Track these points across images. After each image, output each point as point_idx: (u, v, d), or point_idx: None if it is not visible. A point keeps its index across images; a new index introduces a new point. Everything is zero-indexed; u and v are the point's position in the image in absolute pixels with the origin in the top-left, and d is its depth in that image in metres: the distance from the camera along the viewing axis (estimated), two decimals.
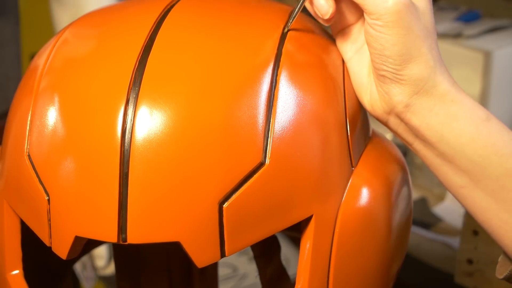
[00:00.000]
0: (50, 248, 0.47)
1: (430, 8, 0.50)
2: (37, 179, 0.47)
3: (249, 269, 1.07)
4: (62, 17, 1.08)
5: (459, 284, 0.87)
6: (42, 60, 0.51)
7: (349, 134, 0.50)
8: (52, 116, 0.47)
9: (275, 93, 0.46)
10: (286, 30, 0.50)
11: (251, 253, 0.69)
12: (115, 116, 0.44)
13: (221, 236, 0.44)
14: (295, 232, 0.51)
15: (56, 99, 0.47)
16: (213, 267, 0.79)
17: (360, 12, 0.51)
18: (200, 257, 0.44)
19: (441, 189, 1.11)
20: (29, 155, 0.48)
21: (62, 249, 0.46)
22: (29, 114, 0.49)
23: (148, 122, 0.44)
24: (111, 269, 1.14)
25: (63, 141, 0.46)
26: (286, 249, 0.86)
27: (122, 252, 0.73)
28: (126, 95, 0.45)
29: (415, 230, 1.01)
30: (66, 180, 0.45)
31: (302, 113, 0.47)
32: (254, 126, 0.45)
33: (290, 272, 0.69)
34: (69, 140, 0.46)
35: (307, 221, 0.47)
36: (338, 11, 0.52)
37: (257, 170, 0.45)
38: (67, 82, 0.48)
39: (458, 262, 0.86)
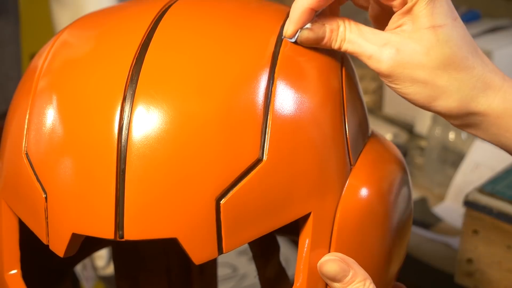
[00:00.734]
0: (48, 247, 0.47)
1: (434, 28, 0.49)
2: (35, 177, 0.47)
3: (249, 269, 1.07)
4: (62, 17, 1.09)
5: (459, 284, 0.87)
6: (40, 61, 0.52)
7: (347, 132, 0.50)
8: (49, 114, 0.47)
9: (272, 90, 0.46)
10: (283, 37, 0.49)
11: (250, 253, 0.69)
12: (112, 113, 0.44)
13: (218, 232, 0.44)
14: (294, 236, 0.51)
15: (54, 97, 0.48)
16: (212, 267, 0.79)
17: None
18: (197, 254, 0.44)
19: (441, 189, 1.11)
20: (26, 154, 0.48)
21: (59, 247, 0.46)
22: (27, 113, 0.49)
23: (145, 118, 0.44)
24: (111, 269, 1.14)
25: (60, 139, 0.46)
26: (285, 249, 0.86)
27: (121, 251, 0.73)
28: (123, 92, 0.45)
29: (415, 230, 1.01)
30: (63, 178, 0.45)
31: (300, 109, 0.47)
32: (251, 122, 0.45)
33: (289, 272, 0.69)
34: (66, 138, 0.46)
35: (305, 218, 0.47)
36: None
37: (254, 166, 0.45)
38: (65, 81, 0.48)
39: (458, 262, 0.86)
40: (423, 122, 1.21)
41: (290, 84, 0.47)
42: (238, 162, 0.44)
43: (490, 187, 0.85)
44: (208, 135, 0.44)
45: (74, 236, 0.45)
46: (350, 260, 0.48)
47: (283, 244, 0.74)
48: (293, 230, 0.50)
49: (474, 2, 1.31)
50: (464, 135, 1.12)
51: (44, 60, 0.51)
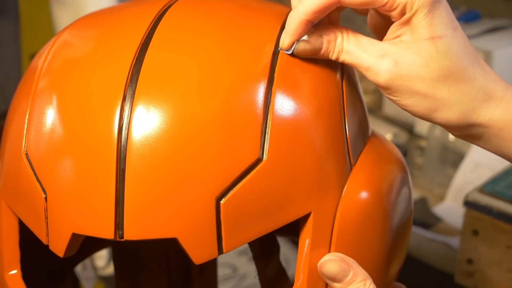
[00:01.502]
0: (48, 247, 0.47)
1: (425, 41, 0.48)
2: (35, 177, 0.47)
3: (249, 269, 1.07)
4: (62, 17, 1.09)
5: (459, 284, 0.87)
6: (40, 61, 0.52)
7: (347, 132, 0.50)
8: (49, 114, 0.47)
9: (272, 89, 0.46)
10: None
11: (250, 253, 0.69)
12: (111, 113, 0.44)
13: (218, 232, 0.44)
14: (294, 236, 0.51)
15: (53, 97, 0.48)
16: (213, 267, 0.79)
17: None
18: (197, 254, 0.44)
19: (441, 189, 1.11)
20: (26, 154, 0.48)
21: (59, 247, 0.46)
22: (27, 113, 0.49)
23: (145, 118, 0.44)
24: (111, 269, 1.14)
25: (60, 139, 0.46)
26: (285, 249, 0.86)
27: (121, 252, 0.73)
28: (123, 91, 0.45)
29: (415, 230, 1.01)
30: (63, 177, 0.45)
31: (300, 109, 0.47)
32: (251, 122, 0.45)
33: (289, 272, 0.69)
34: (66, 137, 0.46)
35: (305, 218, 0.47)
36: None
37: (254, 166, 0.45)
38: (64, 81, 0.48)
39: (458, 262, 0.86)
40: (423, 122, 1.21)
41: (290, 84, 0.47)
42: (238, 162, 0.44)
43: (490, 187, 0.85)
44: (208, 135, 0.44)
45: (74, 236, 0.45)
46: (350, 260, 0.47)
47: (283, 244, 0.74)
48: (293, 230, 0.50)
49: (474, 2, 1.31)
50: None
51: (44, 60, 0.51)
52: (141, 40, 0.47)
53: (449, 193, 1.08)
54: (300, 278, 0.47)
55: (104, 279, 1.18)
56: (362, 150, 0.52)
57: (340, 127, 0.49)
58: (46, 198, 0.46)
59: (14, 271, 0.51)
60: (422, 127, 1.22)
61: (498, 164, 0.99)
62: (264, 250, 0.67)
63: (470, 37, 1.16)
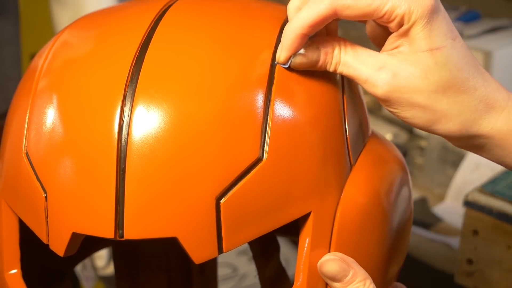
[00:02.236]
0: (48, 247, 0.47)
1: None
2: (35, 177, 0.47)
3: (249, 269, 1.07)
4: (62, 17, 1.09)
5: (459, 284, 0.87)
6: (40, 61, 0.52)
7: (347, 132, 0.50)
8: (49, 113, 0.47)
9: (272, 89, 0.46)
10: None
11: (250, 253, 0.69)
12: (112, 112, 0.44)
13: (218, 232, 0.44)
14: (294, 236, 0.51)
15: (54, 97, 0.48)
16: (213, 267, 0.79)
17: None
18: (197, 253, 0.44)
19: (441, 189, 1.11)
20: (27, 153, 0.48)
21: (59, 246, 0.46)
22: (27, 113, 0.49)
23: (145, 117, 0.44)
24: (111, 269, 1.14)
25: (60, 138, 0.46)
26: (285, 249, 0.86)
27: (122, 251, 0.73)
28: (123, 91, 0.45)
29: (415, 230, 1.01)
30: (63, 177, 0.45)
31: (300, 109, 0.47)
32: (251, 121, 0.45)
33: (289, 272, 0.69)
34: (66, 137, 0.46)
35: (305, 218, 0.47)
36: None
37: (254, 165, 0.45)
38: (65, 81, 0.48)
39: (458, 262, 0.86)
40: None
41: (290, 84, 0.47)
42: (238, 162, 0.44)
43: (490, 187, 0.85)
44: (208, 134, 0.44)
45: (74, 236, 0.45)
46: (350, 260, 0.47)
47: (283, 244, 0.74)
48: (293, 230, 0.50)
49: (474, 2, 1.31)
50: None
51: (44, 60, 0.51)
52: (142, 40, 0.47)
53: (449, 193, 1.08)
54: (300, 278, 0.47)
55: (104, 279, 1.18)
56: (362, 150, 0.52)
57: (340, 127, 0.49)
58: (46, 197, 0.46)
59: (14, 271, 0.51)
60: None
61: (498, 164, 0.99)
62: (264, 250, 0.67)
63: (470, 37, 1.16)
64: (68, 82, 0.48)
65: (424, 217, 1.05)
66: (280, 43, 0.47)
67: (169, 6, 0.51)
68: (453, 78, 0.47)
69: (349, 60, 0.47)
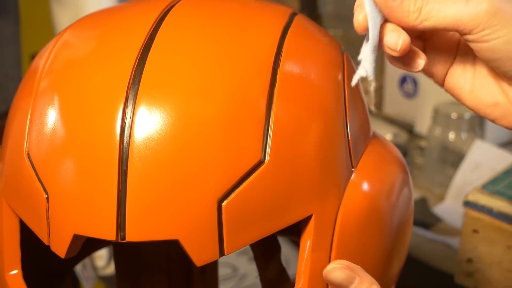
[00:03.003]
0: (49, 248, 0.47)
1: None
2: (36, 178, 0.47)
3: (249, 269, 1.07)
4: (62, 17, 1.09)
5: (459, 284, 0.87)
6: (42, 61, 0.51)
7: (349, 134, 0.50)
8: (51, 114, 0.47)
9: (274, 91, 0.46)
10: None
11: (251, 253, 0.69)
12: (114, 114, 0.44)
13: (220, 234, 0.44)
14: (295, 236, 0.51)
15: (55, 98, 0.48)
16: (213, 267, 0.79)
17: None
18: (199, 256, 0.44)
19: (441, 189, 1.11)
20: (28, 154, 0.48)
21: (60, 248, 0.46)
22: (29, 113, 0.49)
23: (147, 119, 0.44)
24: (111, 269, 1.14)
25: (62, 139, 0.46)
26: (286, 249, 0.86)
27: (122, 252, 0.73)
28: (125, 92, 0.45)
29: (415, 230, 1.01)
30: (65, 178, 0.45)
31: (302, 111, 0.47)
32: (253, 124, 0.45)
33: (290, 272, 0.69)
34: (68, 138, 0.46)
35: (306, 220, 0.47)
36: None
37: (256, 168, 0.45)
38: (66, 82, 0.48)
39: (458, 262, 0.86)
40: (423, 122, 1.21)
41: (292, 86, 0.47)
42: (240, 164, 0.44)
43: (490, 187, 0.85)
44: (210, 136, 0.44)
45: (76, 237, 0.45)
46: (356, 267, 0.47)
47: (284, 244, 0.74)
48: (294, 230, 0.50)
49: None
50: (464, 135, 1.12)
51: (46, 60, 0.51)
52: (144, 41, 0.47)
53: (449, 193, 1.08)
54: (301, 280, 0.47)
55: (104, 279, 1.18)
56: (364, 152, 0.52)
57: (342, 129, 0.49)
58: (47, 198, 0.46)
59: (15, 271, 0.51)
60: (422, 127, 1.22)
61: (498, 164, 0.99)
62: (265, 250, 0.67)
63: None
64: (70, 83, 0.48)
65: (424, 217, 1.05)
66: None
67: (171, 7, 0.51)
68: None
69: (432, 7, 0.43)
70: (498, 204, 0.82)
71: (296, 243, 0.49)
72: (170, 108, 0.44)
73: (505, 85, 0.46)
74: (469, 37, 0.43)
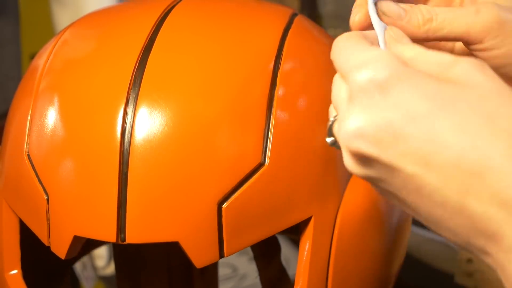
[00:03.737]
0: (48, 247, 0.47)
1: None
2: (37, 179, 0.47)
3: (249, 269, 1.06)
4: (62, 17, 1.08)
5: (459, 284, 0.87)
6: (42, 60, 0.51)
7: None
8: (52, 116, 0.47)
9: (275, 94, 0.46)
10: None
11: (251, 253, 0.69)
12: (115, 116, 0.44)
13: (220, 236, 0.44)
14: (294, 235, 0.51)
15: (56, 99, 0.48)
16: (213, 267, 0.79)
17: None
18: (199, 258, 0.44)
19: None
20: (28, 155, 0.48)
21: (61, 249, 0.46)
22: (29, 114, 0.49)
23: (148, 122, 0.44)
24: (111, 269, 1.14)
25: (62, 141, 0.46)
26: (286, 249, 0.85)
27: (122, 252, 0.73)
28: (126, 95, 0.45)
29: (415, 230, 1.01)
30: (66, 180, 0.45)
31: (302, 114, 0.47)
32: (253, 126, 0.45)
33: (290, 272, 0.69)
34: (68, 140, 0.46)
35: (306, 222, 0.47)
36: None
37: (256, 170, 0.45)
38: (67, 82, 0.48)
39: (458, 262, 0.86)
40: None
41: (292, 89, 0.47)
42: (240, 167, 0.44)
43: None
44: (210, 139, 0.44)
45: (76, 239, 0.45)
46: None
47: (284, 244, 0.74)
48: (293, 229, 0.50)
49: None
50: None
51: (46, 60, 0.51)
52: (144, 43, 0.47)
53: None
54: (300, 281, 0.47)
55: (104, 279, 1.18)
56: None
57: None
58: (48, 200, 0.46)
59: (14, 271, 0.51)
60: None
61: None
62: (265, 250, 0.67)
63: None
64: (70, 85, 0.48)
65: None
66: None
67: (172, 8, 0.51)
68: None
69: (445, 9, 0.42)
70: None
71: (296, 242, 0.49)
72: (171, 111, 0.44)
73: None
74: (478, 46, 0.42)
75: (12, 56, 1.10)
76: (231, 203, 0.44)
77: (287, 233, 0.67)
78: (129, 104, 0.45)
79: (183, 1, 0.52)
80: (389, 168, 0.33)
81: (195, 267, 0.76)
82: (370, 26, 0.41)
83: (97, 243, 0.72)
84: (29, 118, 0.49)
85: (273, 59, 0.47)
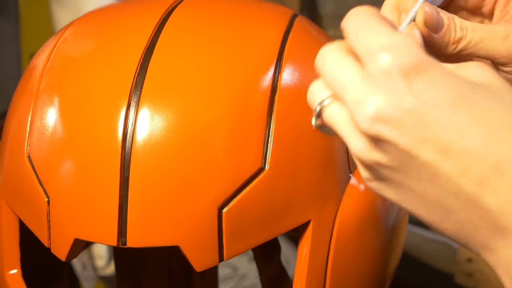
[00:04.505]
0: (49, 248, 0.47)
1: None
2: (37, 181, 0.47)
3: (249, 269, 1.06)
4: (62, 17, 1.08)
5: (459, 284, 0.87)
6: (42, 59, 0.51)
7: None
8: (52, 117, 0.47)
9: (275, 99, 0.46)
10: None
11: (251, 253, 0.69)
12: (116, 120, 0.44)
13: (220, 240, 0.44)
14: (294, 232, 0.51)
15: (57, 100, 0.47)
16: (213, 268, 0.79)
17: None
18: (199, 261, 0.44)
19: None
20: (29, 156, 0.48)
21: (61, 251, 0.46)
22: (29, 114, 0.49)
23: (149, 126, 0.44)
24: (111, 269, 1.14)
25: (64, 144, 0.46)
26: (286, 249, 0.85)
27: (123, 252, 0.73)
28: (127, 98, 0.45)
29: (415, 230, 1.01)
30: (66, 183, 0.45)
31: (302, 119, 0.47)
32: (254, 131, 0.45)
33: (290, 272, 0.69)
34: (70, 143, 0.46)
35: (305, 226, 0.47)
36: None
37: (256, 175, 0.45)
38: (68, 83, 0.48)
39: (458, 262, 0.86)
40: None
41: (293, 93, 0.47)
42: (241, 171, 0.44)
43: None
44: (211, 144, 0.44)
45: (77, 241, 0.45)
46: None
47: (284, 244, 0.74)
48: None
49: None
50: None
51: (47, 59, 0.51)
52: (146, 45, 0.47)
53: None
54: (298, 284, 0.47)
55: (104, 279, 1.18)
56: None
57: None
58: (48, 202, 0.46)
59: (14, 271, 0.51)
60: None
61: None
62: (265, 250, 0.67)
63: None
64: (71, 85, 0.48)
65: None
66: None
67: (173, 8, 0.51)
68: None
69: (477, 27, 0.41)
70: None
71: (295, 240, 0.49)
72: (172, 115, 0.44)
73: None
74: (502, 68, 0.42)
75: (12, 56, 1.10)
76: (231, 208, 0.44)
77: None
78: (130, 108, 0.45)
79: (185, 1, 0.52)
80: (406, 154, 0.33)
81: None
82: None
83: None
84: (29, 119, 0.49)
85: (274, 63, 0.47)
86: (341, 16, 0.53)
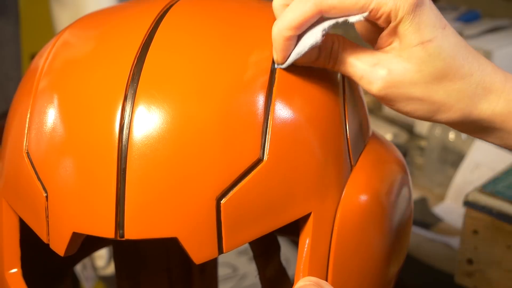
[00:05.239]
0: (48, 246, 0.47)
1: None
2: (36, 176, 0.47)
3: (249, 269, 1.07)
4: (62, 17, 1.09)
5: (459, 284, 0.87)
6: (41, 60, 0.52)
7: (348, 132, 0.50)
8: (50, 113, 0.47)
9: (273, 90, 0.46)
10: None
11: (251, 253, 0.69)
12: (113, 112, 0.44)
13: (218, 232, 0.44)
14: (294, 236, 0.51)
15: (55, 97, 0.48)
16: (213, 266, 0.79)
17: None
18: (197, 254, 0.44)
19: (441, 189, 1.11)
20: (27, 153, 0.48)
21: (59, 246, 0.46)
22: (28, 112, 0.49)
23: (146, 118, 0.44)
24: (111, 269, 1.14)
25: (61, 138, 0.46)
26: (286, 249, 0.86)
27: (122, 251, 0.73)
28: (124, 91, 0.45)
29: (415, 230, 1.01)
30: (64, 177, 0.45)
31: (301, 110, 0.47)
32: (252, 122, 0.45)
33: (290, 272, 0.69)
34: (67, 137, 0.46)
35: (305, 218, 0.47)
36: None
37: (255, 166, 0.45)
38: (66, 81, 0.48)
39: (458, 262, 0.86)
40: (423, 122, 1.21)
41: (291, 85, 0.47)
42: (239, 162, 0.44)
43: (490, 187, 0.85)
44: (209, 135, 0.44)
45: (75, 235, 0.45)
46: (324, 283, 0.47)
47: (284, 244, 0.74)
48: (293, 230, 0.50)
49: (474, 2, 1.31)
50: (464, 135, 1.12)
51: (45, 60, 0.51)
52: (143, 40, 0.47)
53: (449, 193, 1.08)
54: (300, 278, 0.47)
55: (104, 279, 1.18)
56: (363, 151, 0.52)
57: (341, 127, 0.49)
58: (47, 197, 0.46)
59: (14, 270, 0.51)
60: (422, 127, 1.22)
61: (498, 164, 0.99)
62: (265, 250, 0.67)
63: (470, 37, 1.16)
64: (69, 82, 0.48)
65: (424, 217, 1.05)
66: (273, 47, 0.47)
67: (171, 6, 0.51)
68: (448, 67, 0.46)
69: (345, 56, 0.47)
70: (498, 204, 0.82)
71: (296, 243, 0.49)
72: (169, 106, 0.44)
73: None
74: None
75: (12, 56, 1.10)
76: (229, 199, 0.44)
77: (287, 234, 0.67)
78: (127, 100, 0.45)
79: (181, 0, 0.52)
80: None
81: (194, 267, 0.76)
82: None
83: (98, 245, 0.72)
84: (28, 116, 0.49)
85: (272, 55, 0.48)
86: None
